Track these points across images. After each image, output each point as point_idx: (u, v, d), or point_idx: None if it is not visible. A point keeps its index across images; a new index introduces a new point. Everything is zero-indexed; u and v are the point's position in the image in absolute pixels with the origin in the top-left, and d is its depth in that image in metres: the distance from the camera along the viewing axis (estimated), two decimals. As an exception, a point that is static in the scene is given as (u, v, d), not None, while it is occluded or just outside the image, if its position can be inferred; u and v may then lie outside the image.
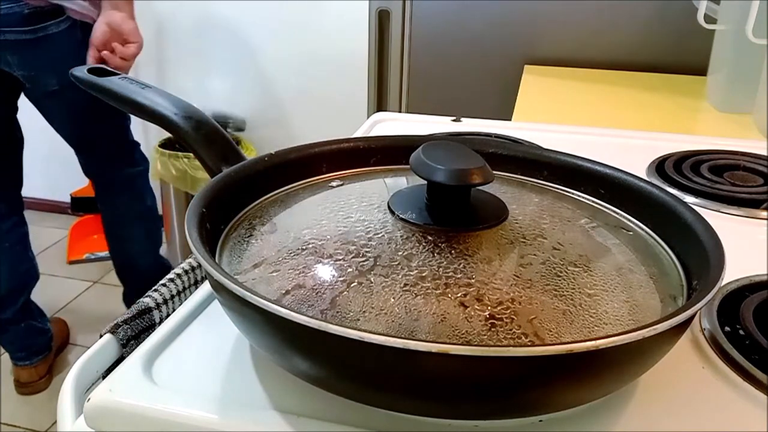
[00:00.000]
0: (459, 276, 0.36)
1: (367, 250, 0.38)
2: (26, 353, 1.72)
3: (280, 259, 0.39)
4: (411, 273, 0.36)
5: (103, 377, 0.40)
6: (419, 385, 0.31)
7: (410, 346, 0.28)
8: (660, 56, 1.29)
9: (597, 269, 0.39)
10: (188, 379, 0.38)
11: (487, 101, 1.38)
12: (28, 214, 1.69)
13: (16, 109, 1.58)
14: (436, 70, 1.40)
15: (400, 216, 0.40)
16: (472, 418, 0.34)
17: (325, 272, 0.37)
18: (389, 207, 0.41)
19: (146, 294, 0.46)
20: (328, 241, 0.40)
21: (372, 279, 0.36)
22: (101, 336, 0.42)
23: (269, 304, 0.31)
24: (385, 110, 1.43)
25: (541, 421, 0.35)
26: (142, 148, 1.77)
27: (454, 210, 0.41)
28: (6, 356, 1.87)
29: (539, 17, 1.32)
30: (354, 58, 2.08)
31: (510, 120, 0.98)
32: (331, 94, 2.23)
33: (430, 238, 0.38)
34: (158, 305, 0.46)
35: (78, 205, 2.46)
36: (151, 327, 0.44)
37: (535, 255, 0.39)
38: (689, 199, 0.63)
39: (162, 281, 0.47)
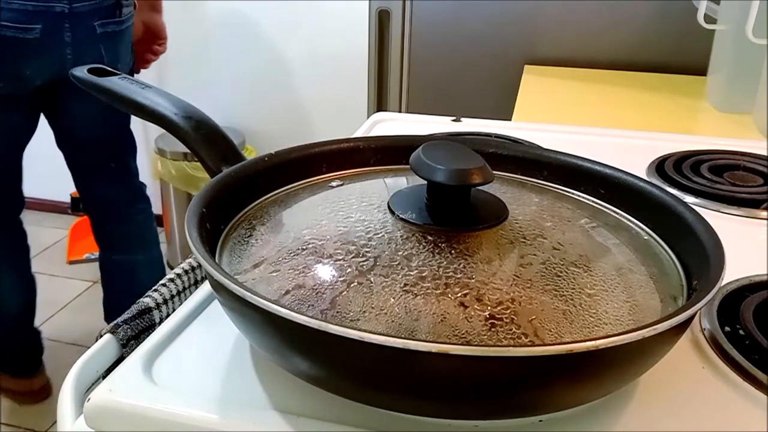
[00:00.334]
0: (459, 276, 0.36)
1: (367, 250, 0.38)
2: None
3: (280, 259, 0.39)
4: (411, 273, 0.36)
5: (103, 377, 0.40)
6: (419, 385, 0.31)
7: (410, 346, 0.28)
8: (660, 56, 1.29)
9: (597, 269, 0.39)
10: (188, 379, 0.38)
11: (487, 101, 1.38)
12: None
13: None
14: (436, 70, 1.40)
15: (400, 216, 0.40)
16: (472, 418, 0.34)
17: (325, 272, 0.37)
18: (389, 207, 0.41)
19: (146, 294, 0.46)
20: (328, 241, 0.40)
21: (372, 279, 0.36)
22: (101, 336, 0.42)
23: (269, 304, 0.31)
24: (385, 110, 1.43)
25: (541, 421, 0.35)
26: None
27: (454, 210, 0.41)
28: (6, 356, 1.87)
29: (539, 17, 1.32)
30: (354, 58, 2.08)
31: (510, 120, 0.98)
32: (331, 94, 2.23)
33: (430, 238, 0.38)
34: (158, 305, 0.46)
35: (78, 205, 2.46)
36: (151, 327, 0.44)
37: (535, 255, 0.39)
38: (689, 199, 0.63)
39: (162, 281, 0.47)
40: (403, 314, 0.33)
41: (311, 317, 0.30)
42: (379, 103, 1.45)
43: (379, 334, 0.29)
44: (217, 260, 0.39)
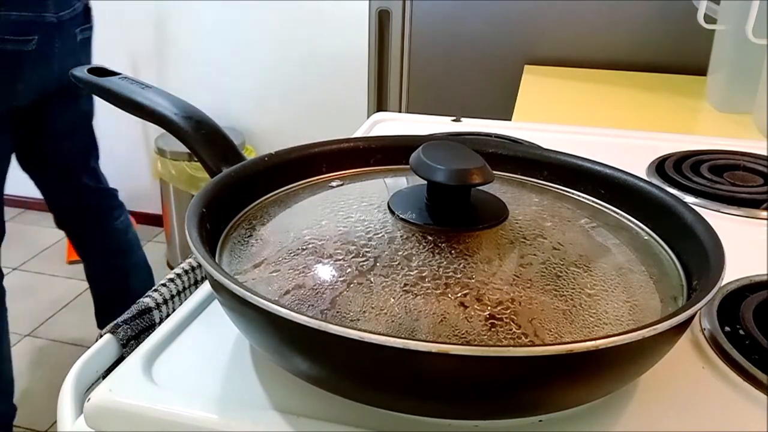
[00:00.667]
0: (459, 276, 0.36)
1: (367, 250, 0.38)
2: None
3: (280, 259, 0.39)
4: (411, 273, 0.36)
5: (103, 377, 0.40)
6: (419, 385, 0.31)
7: (410, 346, 0.28)
8: (660, 56, 1.29)
9: (597, 269, 0.39)
10: (188, 379, 0.38)
11: (487, 101, 1.38)
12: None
13: None
14: (436, 70, 1.40)
15: (400, 216, 0.40)
16: (472, 418, 0.34)
17: (325, 272, 0.37)
18: (389, 207, 0.41)
19: (146, 294, 0.46)
20: (328, 241, 0.40)
21: (372, 279, 0.36)
22: (101, 336, 0.42)
23: (269, 304, 0.31)
24: (385, 110, 1.43)
25: (541, 421, 0.35)
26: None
27: (454, 210, 0.41)
28: (6, 356, 1.87)
29: (539, 17, 1.32)
30: (354, 58, 2.08)
31: (510, 120, 0.98)
32: (331, 94, 2.23)
33: (430, 238, 0.38)
34: (158, 305, 0.46)
35: (78, 205, 2.46)
36: (151, 327, 0.44)
37: (535, 255, 0.39)
38: (689, 199, 0.63)
39: (162, 281, 0.47)
40: (403, 314, 0.33)
41: (311, 317, 0.30)
42: (379, 103, 1.45)
43: (379, 334, 0.29)
44: (217, 260, 0.39)
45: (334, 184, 0.49)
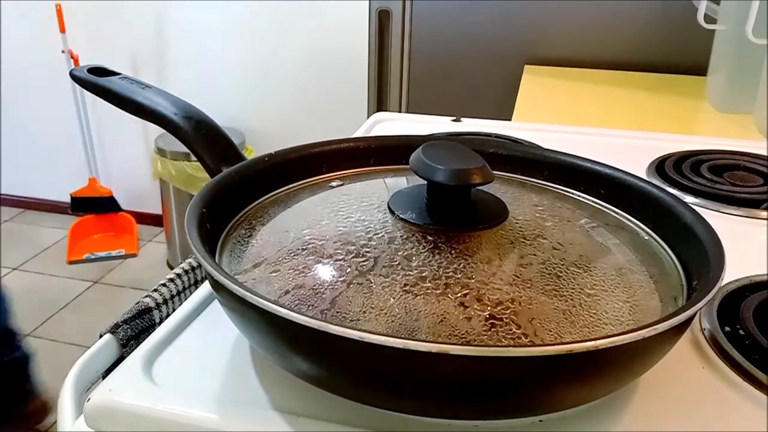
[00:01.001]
0: (459, 276, 0.36)
1: (367, 250, 0.38)
2: None
3: (280, 259, 0.39)
4: (411, 273, 0.36)
5: (103, 377, 0.40)
6: (419, 385, 0.31)
7: (410, 346, 0.28)
8: (660, 56, 1.29)
9: (597, 269, 0.39)
10: (188, 379, 0.38)
11: (487, 101, 1.38)
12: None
13: None
14: (436, 70, 1.40)
15: (400, 216, 0.40)
16: (472, 418, 0.34)
17: (325, 272, 0.37)
18: (389, 207, 0.41)
19: (146, 294, 0.46)
20: (328, 241, 0.40)
21: (372, 279, 0.36)
22: (101, 336, 0.42)
23: (269, 304, 0.31)
24: (385, 110, 1.43)
25: (541, 421, 0.35)
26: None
27: (454, 210, 0.41)
28: (6, 356, 1.87)
29: (539, 17, 1.33)
30: (354, 58, 2.08)
31: (510, 120, 0.98)
32: (331, 94, 2.23)
33: (430, 238, 0.38)
34: (158, 305, 0.46)
35: (78, 205, 2.46)
36: (151, 327, 0.44)
37: (535, 255, 0.39)
38: (689, 199, 0.63)
39: (162, 281, 0.47)
40: (403, 314, 0.33)
41: (311, 317, 0.30)
42: (379, 103, 1.45)
43: (379, 334, 0.29)
44: (217, 260, 0.39)
45: (334, 184, 0.49)
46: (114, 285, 2.27)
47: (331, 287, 0.36)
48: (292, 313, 0.30)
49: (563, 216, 0.45)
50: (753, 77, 0.99)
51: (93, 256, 2.41)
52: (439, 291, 0.35)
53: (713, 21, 1.07)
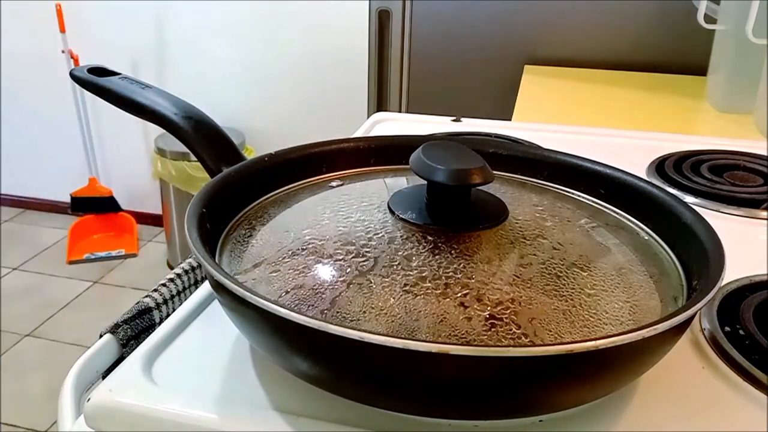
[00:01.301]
0: (459, 276, 0.36)
1: (367, 250, 0.38)
2: None
3: (280, 259, 0.39)
4: (411, 273, 0.36)
5: (103, 377, 0.40)
6: (419, 385, 0.31)
7: (410, 346, 0.28)
8: (660, 56, 1.29)
9: (597, 269, 0.39)
10: (188, 379, 0.38)
11: (487, 101, 1.38)
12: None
13: None
14: (436, 70, 1.40)
15: (400, 216, 0.40)
16: (472, 418, 0.34)
17: (325, 272, 0.37)
18: (389, 207, 0.41)
19: (146, 294, 0.46)
20: (328, 241, 0.40)
21: (372, 279, 0.36)
22: (101, 336, 0.42)
23: (269, 304, 0.31)
24: (385, 110, 1.43)
25: (541, 421, 0.35)
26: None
27: (454, 210, 0.41)
28: (6, 356, 1.88)
29: (539, 17, 1.33)
30: (354, 58, 2.08)
31: (510, 120, 0.98)
32: (331, 93, 2.23)
33: (430, 238, 0.38)
34: (158, 305, 0.46)
35: (78, 205, 2.46)
36: (151, 327, 0.44)
37: (535, 255, 0.39)
38: (689, 199, 0.63)
39: (162, 281, 0.47)
40: (403, 314, 0.33)
41: (311, 317, 0.30)
42: (379, 103, 1.45)
43: (379, 334, 0.29)
44: (217, 260, 0.39)
45: (334, 184, 0.49)
46: (114, 285, 2.27)
47: (331, 287, 0.36)
48: (292, 313, 0.30)
49: (563, 216, 0.45)
50: (753, 77, 0.99)
51: (93, 256, 2.41)
52: (439, 291, 0.35)
53: (713, 21, 1.07)
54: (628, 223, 0.46)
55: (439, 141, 0.43)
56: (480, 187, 0.41)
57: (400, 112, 1.44)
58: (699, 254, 0.39)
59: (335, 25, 2.14)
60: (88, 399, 0.37)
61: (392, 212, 0.41)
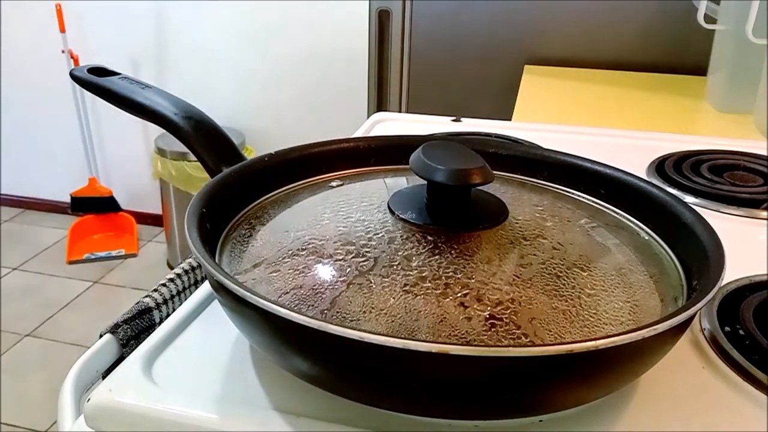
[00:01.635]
0: (459, 276, 0.36)
1: (367, 250, 0.38)
2: None
3: (280, 259, 0.39)
4: (411, 273, 0.36)
5: (103, 377, 0.40)
6: (419, 385, 0.31)
7: (410, 346, 0.28)
8: (660, 56, 1.29)
9: (597, 269, 0.39)
10: (188, 379, 0.38)
11: (487, 101, 1.38)
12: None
13: None
14: (436, 70, 1.40)
15: (400, 216, 0.40)
16: (472, 418, 0.34)
17: (325, 272, 0.37)
18: (389, 207, 0.41)
19: (146, 294, 0.46)
20: (328, 241, 0.40)
21: (372, 279, 0.36)
22: (101, 336, 0.42)
23: (269, 304, 0.31)
24: (385, 110, 1.43)
25: (541, 421, 0.35)
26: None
27: (454, 210, 0.41)
28: (6, 356, 1.88)
29: (539, 17, 1.33)
30: (354, 58, 2.09)
31: (510, 120, 0.98)
32: (331, 94, 2.23)
33: (430, 238, 0.38)
34: (158, 305, 0.46)
35: (78, 205, 2.46)
36: (151, 327, 0.44)
37: (535, 255, 0.39)
38: (689, 199, 0.63)
39: (162, 281, 0.47)
40: (403, 314, 0.33)
41: (311, 317, 0.30)
42: (379, 103, 1.45)
43: (379, 334, 0.29)
44: (217, 260, 0.39)
45: (334, 184, 0.49)
46: (114, 285, 2.27)
47: (331, 287, 0.36)
48: (292, 313, 0.30)
49: (563, 216, 0.45)
50: (753, 77, 0.99)
51: (93, 256, 2.41)
52: (439, 291, 0.35)
53: (713, 21, 1.07)
54: (628, 223, 0.46)
55: (439, 141, 0.43)
56: (480, 187, 0.41)
57: (400, 112, 1.44)
58: (699, 254, 0.39)
59: (335, 25, 2.14)
60: (88, 399, 0.37)
61: (392, 212, 0.41)
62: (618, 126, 0.88)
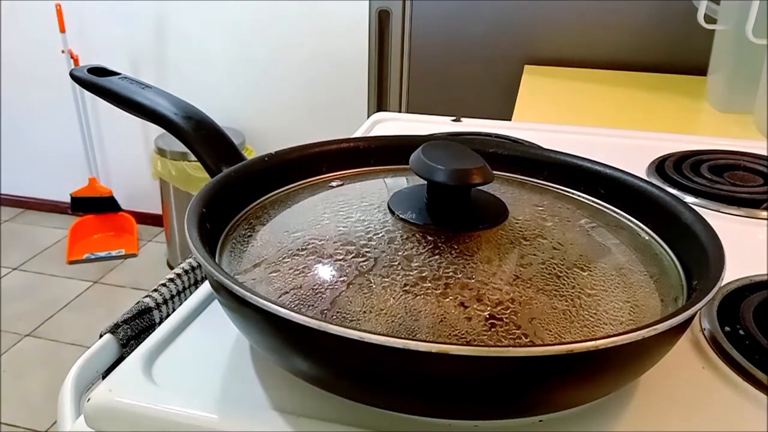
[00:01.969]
0: (459, 276, 0.36)
1: (367, 250, 0.38)
2: None
3: (280, 259, 0.39)
4: (411, 273, 0.36)
5: (103, 377, 0.40)
6: (419, 385, 0.31)
7: (410, 346, 0.28)
8: (660, 56, 1.29)
9: (597, 269, 0.39)
10: (188, 379, 0.38)
11: (487, 101, 1.38)
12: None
13: None
14: (436, 70, 1.40)
15: (400, 216, 0.40)
16: (472, 418, 0.34)
17: (325, 272, 0.37)
18: (389, 207, 0.41)
19: (146, 294, 0.46)
20: (328, 241, 0.40)
21: (372, 279, 0.36)
22: (101, 336, 0.42)
23: (269, 304, 0.31)
24: (385, 110, 1.43)
25: (541, 421, 0.35)
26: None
27: (454, 210, 0.41)
28: (6, 356, 1.88)
29: (539, 17, 1.33)
30: (354, 58, 2.09)
31: (510, 120, 0.98)
32: (331, 93, 2.23)
33: (430, 238, 0.38)
34: (158, 305, 0.46)
35: (78, 205, 2.46)
36: (151, 327, 0.44)
37: (535, 255, 0.39)
38: (689, 199, 0.63)
39: (162, 281, 0.47)
40: (403, 314, 0.33)
41: (311, 317, 0.30)
42: (379, 103, 1.45)
43: (379, 334, 0.29)
44: (217, 260, 0.39)
45: (334, 184, 0.49)
46: (114, 285, 2.27)
47: (331, 287, 0.36)
48: (292, 313, 0.30)
49: (563, 216, 0.45)
50: (753, 77, 0.99)
51: (93, 256, 2.41)
52: (439, 291, 0.35)
53: (713, 21, 1.08)
54: (628, 223, 0.46)
55: (439, 141, 0.43)
56: (480, 187, 0.41)
57: (400, 112, 1.44)
58: (699, 254, 0.39)
59: (335, 25, 2.14)
60: (88, 399, 0.37)
61: (392, 212, 0.41)
62: (618, 126, 0.88)
